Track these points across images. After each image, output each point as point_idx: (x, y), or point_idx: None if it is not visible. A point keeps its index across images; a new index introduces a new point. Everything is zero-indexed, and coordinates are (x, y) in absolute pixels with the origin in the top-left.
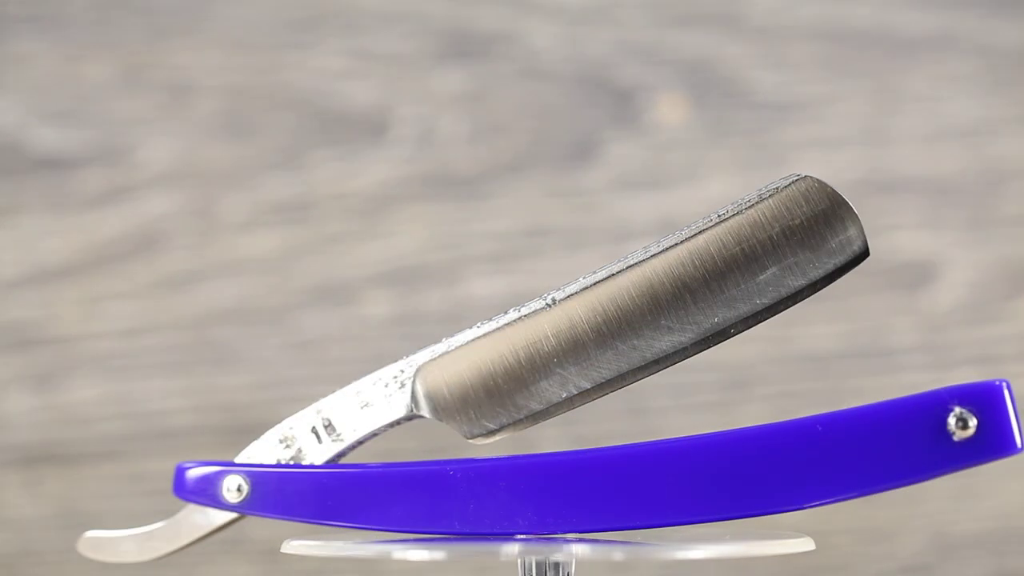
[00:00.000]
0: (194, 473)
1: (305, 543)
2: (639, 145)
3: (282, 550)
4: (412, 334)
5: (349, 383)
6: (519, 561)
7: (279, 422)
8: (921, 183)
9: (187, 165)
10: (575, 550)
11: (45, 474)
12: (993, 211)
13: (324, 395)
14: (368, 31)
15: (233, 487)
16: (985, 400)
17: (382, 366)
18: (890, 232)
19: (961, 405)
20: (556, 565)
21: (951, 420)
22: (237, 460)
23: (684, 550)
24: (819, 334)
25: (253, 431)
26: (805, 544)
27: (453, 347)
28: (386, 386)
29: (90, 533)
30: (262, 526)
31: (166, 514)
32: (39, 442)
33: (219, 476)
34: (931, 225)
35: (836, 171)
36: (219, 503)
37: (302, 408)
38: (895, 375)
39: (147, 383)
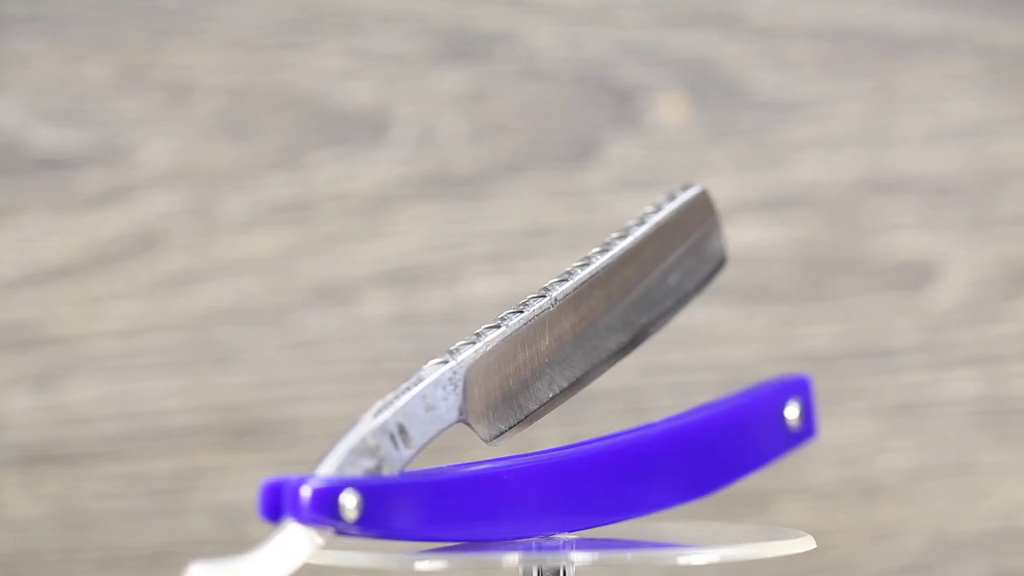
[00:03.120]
0: (313, 489)
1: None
2: (639, 145)
3: None
4: (412, 334)
5: (410, 380)
6: (521, 568)
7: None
8: (921, 183)
9: (187, 165)
10: (575, 556)
11: (45, 474)
12: (993, 211)
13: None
14: (368, 31)
15: (352, 504)
16: (805, 392)
17: (382, 366)
18: (890, 232)
19: (793, 396)
20: (558, 571)
21: (788, 410)
22: (323, 472)
23: (687, 555)
24: (819, 334)
25: (253, 431)
26: (806, 544)
27: (489, 345)
28: (443, 388)
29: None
30: (262, 526)
31: (166, 514)
32: (39, 442)
33: (335, 492)
34: (931, 225)
35: (836, 171)
36: (337, 524)
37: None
38: (895, 375)
39: (147, 383)
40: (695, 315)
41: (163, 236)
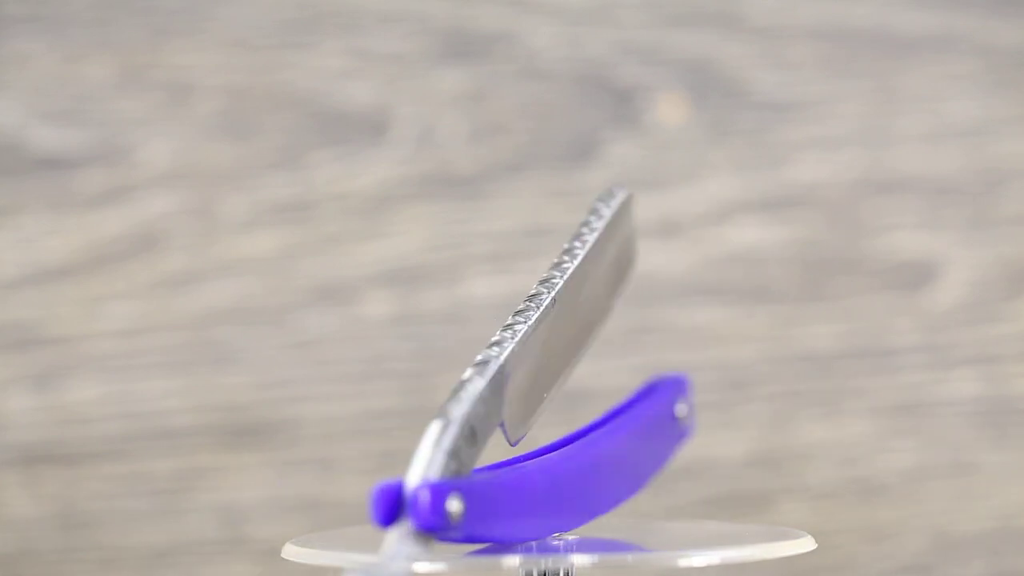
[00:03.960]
0: (431, 492)
1: (307, 551)
2: (639, 145)
3: (282, 555)
4: (412, 334)
5: (468, 382)
6: (522, 571)
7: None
8: (921, 183)
9: (187, 165)
10: (576, 559)
11: (45, 474)
12: (993, 211)
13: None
14: (368, 31)
15: (457, 508)
16: (687, 391)
17: (382, 366)
18: (890, 232)
19: (680, 396)
20: (558, 573)
21: (678, 409)
22: (420, 475)
23: (688, 557)
24: (819, 334)
25: (253, 431)
26: (806, 544)
27: (519, 347)
28: (491, 390)
29: None
30: (262, 525)
31: (166, 514)
32: (39, 442)
33: (446, 494)
34: (931, 225)
35: (836, 171)
36: (444, 527)
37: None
38: (895, 375)
39: (147, 383)
40: (695, 315)
41: (163, 236)
